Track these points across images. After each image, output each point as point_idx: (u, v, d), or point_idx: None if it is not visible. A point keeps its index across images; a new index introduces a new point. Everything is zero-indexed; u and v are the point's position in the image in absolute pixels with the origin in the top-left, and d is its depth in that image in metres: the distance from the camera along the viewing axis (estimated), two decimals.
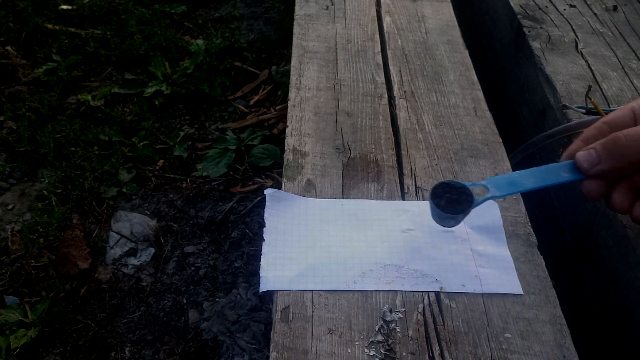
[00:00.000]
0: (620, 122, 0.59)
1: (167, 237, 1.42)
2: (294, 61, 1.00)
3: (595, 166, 0.58)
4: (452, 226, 0.66)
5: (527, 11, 1.09)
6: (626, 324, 0.68)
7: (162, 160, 1.63)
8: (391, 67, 0.99)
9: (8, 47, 1.97)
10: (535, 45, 0.99)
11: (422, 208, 0.72)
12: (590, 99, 0.83)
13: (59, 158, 1.61)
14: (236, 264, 1.35)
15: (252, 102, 1.85)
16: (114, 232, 1.42)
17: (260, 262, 0.65)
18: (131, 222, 1.44)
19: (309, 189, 0.75)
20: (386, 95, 0.92)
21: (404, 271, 0.64)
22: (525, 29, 1.03)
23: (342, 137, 0.83)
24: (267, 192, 0.73)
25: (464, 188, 0.62)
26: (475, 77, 0.97)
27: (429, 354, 0.56)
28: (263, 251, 0.66)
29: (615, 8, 1.10)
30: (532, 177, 0.63)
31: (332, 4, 1.16)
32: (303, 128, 0.85)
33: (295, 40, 1.05)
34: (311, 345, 0.57)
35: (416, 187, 0.75)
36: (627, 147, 0.55)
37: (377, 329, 0.58)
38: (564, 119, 0.83)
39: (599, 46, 0.99)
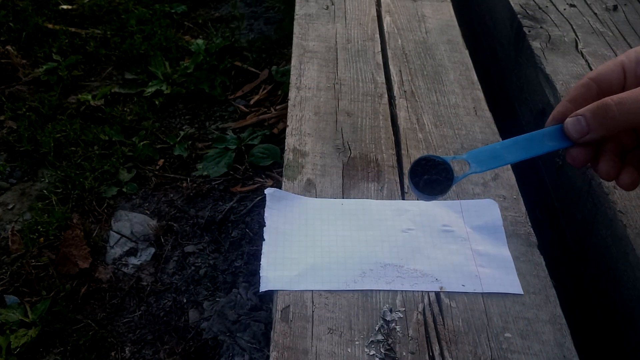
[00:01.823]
0: (608, 78, 0.56)
1: (167, 236, 1.42)
2: (294, 61, 1.00)
3: (585, 136, 0.54)
4: (430, 201, 0.63)
5: (527, 11, 1.09)
6: (626, 324, 0.68)
7: (162, 160, 1.63)
8: (391, 67, 0.99)
9: (8, 47, 1.97)
10: (535, 45, 0.99)
11: (422, 208, 0.72)
12: None
13: (59, 158, 1.61)
14: (236, 263, 1.35)
15: (252, 102, 1.85)
16: (114, 231, 1.42)
17: (261, 262, 0.65)
18: (131, 222, 1.44)
19: (309, 189, 0.75)
20: (386, 95, 0.92)
21: (404, 271, 0.64)
22: (525, 29, 1.03)
23: (342, 137, 0.83)
24: (267, 191, 0.73)
25: (444, 164, 0.59)
26: (475, 77, 0.97)
27: (429, 353, 0.57)
28: (263, 251, 0.66)
29: (615, 8, 1.10)
30: (515, 148, 0.58)
31: (332, 4, 1.16)
32: (303, 128, 0.85)
33: (295, 40, 1.05)
34: (311, 344, 0.57)
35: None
36: (618, 117, 0.51)
37: (377, 328, 0.58)
38: None
39: (599, 46, 0.99)
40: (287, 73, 1.85)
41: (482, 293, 0.62)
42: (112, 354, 1.18)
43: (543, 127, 0.58)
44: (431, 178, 0.58)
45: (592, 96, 0.56)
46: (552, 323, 0.60)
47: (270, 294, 0.63)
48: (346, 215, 0.71)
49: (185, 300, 1.28)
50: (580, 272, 0.80)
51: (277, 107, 1.81)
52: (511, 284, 0.63)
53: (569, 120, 0.55)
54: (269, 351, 0.58)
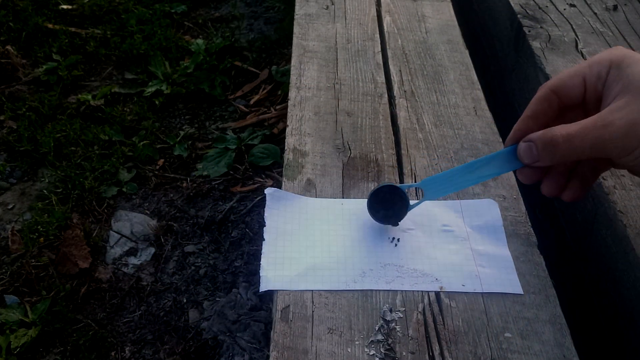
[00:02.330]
0: (569, 92, 0.56)
1: (167, 236, 1.42)
2: (294, 61, 1.00)
3: (535, 162, 0.57)
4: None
5: (527, 11, 1.09)
6: (626, 324, 0.68)
7: (162, 160, 1.63)
8: (391, 67, 0.99)
9: (8, 47, 1.97)
10: (535, 44, 0.99)
11: (422, 208, 0.72)
12: None
13: (59, 158, 1.61)
14: (236, 263, 1.35)
15: (252, 102, 1.85)
16: (114, 231, 1.42)
17: (261, 262, 0.65)
18: (131, 222, 1.44)
19: (309, 189, 0.75)
20: (386, 95, 0.92)
21: (404, 271, 0.64)
22: (525, 29, 1.03)
23: (342, 137, 0.83)
24: (267, 191, 0.73)
25: (401, 194, 0.64)
26: (475, 77, 0.97)
27: (429, 353, 0.57)
28: (263, 250, 0.66)
29: (615, 8, 1.10)
30: (470, 173, 0.62)
31: (332, 4, 1.16)
32: (303, 127, 0.85)
33: (295, 40, 1.05)
34: (311, 344, 0.57)
35: (416, 187, 0.75)
36: (565, 152, 0.53)
37: (377, 328, 0.58)
38: None
39: (599, 46, 0.99)
40: (287, 73, 1.85)
41: (482, 293, 0.62)
42: (112, 353, 1.18)
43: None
44: (387, 213, 0.66)
45: (553, 110, 0.57)
46: (552, 323, 0.60)
47: (270, 293, 0.63)
48: (346, 215, 0.71)
49: (185, 300, 1.28)
50: (580, 272, 0.80)
51: (277, 107, 1.81)
52: (511, 283, 0.63)
53: (522, 145, 0.57)
54: (269, 351, 0.58)
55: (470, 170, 0.63)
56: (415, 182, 0.76)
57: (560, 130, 0.53)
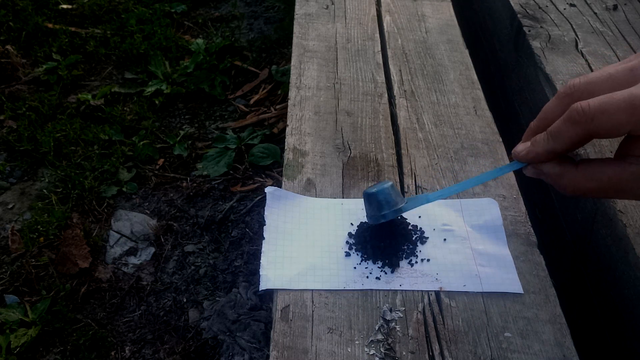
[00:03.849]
0: (604, 135, 0.52)
1: (167, 236, 1.42)
2: (294, 60, 1.00)
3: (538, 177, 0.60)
4: None
5: (527, 10, 1.09)
6: (626, 324, 0.68)
7: (162, 160, 1.63)
8: (391, 67, 0.99)
9: (8, 47, 1.97)
10: (535, 44, 0.99)
11: (422, 207, 0.72)
12: None
13: (59, 157, 1.61)
14: (236, 263, 1.35)
15: (252, 102, 1.85)
16: (114, 231, 1.42)
17: (260, 261, 0.65)
18: (131, 221, 1.44)
19: (309, 188, 0.75)
20: (386, 95, 0.92)
21: (403, 270, 0.64)
22: (525, 28, 1.03)
23: (342, 136, 0.83)
24: (268, 190, 0.73)
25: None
26: (475, 77, 0.97)
27: (428, 353, 0.57)
28: (263, 250, 0.66)
29: (615, 7, 1.10)
30: (474, 182, 0.64)
31: (332, 3, 1.16)
32: (303, 127, 0.85)
33: (295, 40, 1.05)
34: (311, 344, 0.57)
35: (416, 187, 0.75)
36: (571, 194, 0.56)
37: (377, 328, 0.58)
38: None
39: (599, 45, 0.99)
40: (287, 72, 1.85)
41: (482, 292, 0.62)
42: (112, 353, 1.18)
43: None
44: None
45: (581, 142, 0.56)
46: (552, 323, 0.60)
47: (270, 293, 0.63)
48: (346, 215, 0.71)
49: (185, 300, 1.28)
50: (580, 271, 0.80)
51: (277, 107, 1.81)
52: (511, 283, 0.63)
53: (530, 170, 0.59)
54: (268, 351, 0.58)
55: (476, 180, 0.64)
56: (415, 181, 0.76)
57: (573, 184, 0.55)
